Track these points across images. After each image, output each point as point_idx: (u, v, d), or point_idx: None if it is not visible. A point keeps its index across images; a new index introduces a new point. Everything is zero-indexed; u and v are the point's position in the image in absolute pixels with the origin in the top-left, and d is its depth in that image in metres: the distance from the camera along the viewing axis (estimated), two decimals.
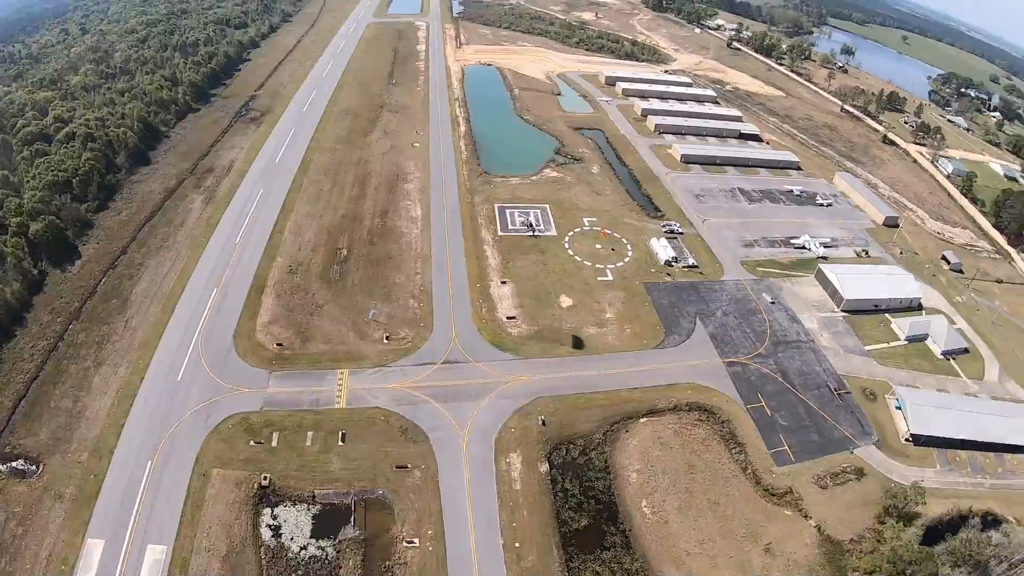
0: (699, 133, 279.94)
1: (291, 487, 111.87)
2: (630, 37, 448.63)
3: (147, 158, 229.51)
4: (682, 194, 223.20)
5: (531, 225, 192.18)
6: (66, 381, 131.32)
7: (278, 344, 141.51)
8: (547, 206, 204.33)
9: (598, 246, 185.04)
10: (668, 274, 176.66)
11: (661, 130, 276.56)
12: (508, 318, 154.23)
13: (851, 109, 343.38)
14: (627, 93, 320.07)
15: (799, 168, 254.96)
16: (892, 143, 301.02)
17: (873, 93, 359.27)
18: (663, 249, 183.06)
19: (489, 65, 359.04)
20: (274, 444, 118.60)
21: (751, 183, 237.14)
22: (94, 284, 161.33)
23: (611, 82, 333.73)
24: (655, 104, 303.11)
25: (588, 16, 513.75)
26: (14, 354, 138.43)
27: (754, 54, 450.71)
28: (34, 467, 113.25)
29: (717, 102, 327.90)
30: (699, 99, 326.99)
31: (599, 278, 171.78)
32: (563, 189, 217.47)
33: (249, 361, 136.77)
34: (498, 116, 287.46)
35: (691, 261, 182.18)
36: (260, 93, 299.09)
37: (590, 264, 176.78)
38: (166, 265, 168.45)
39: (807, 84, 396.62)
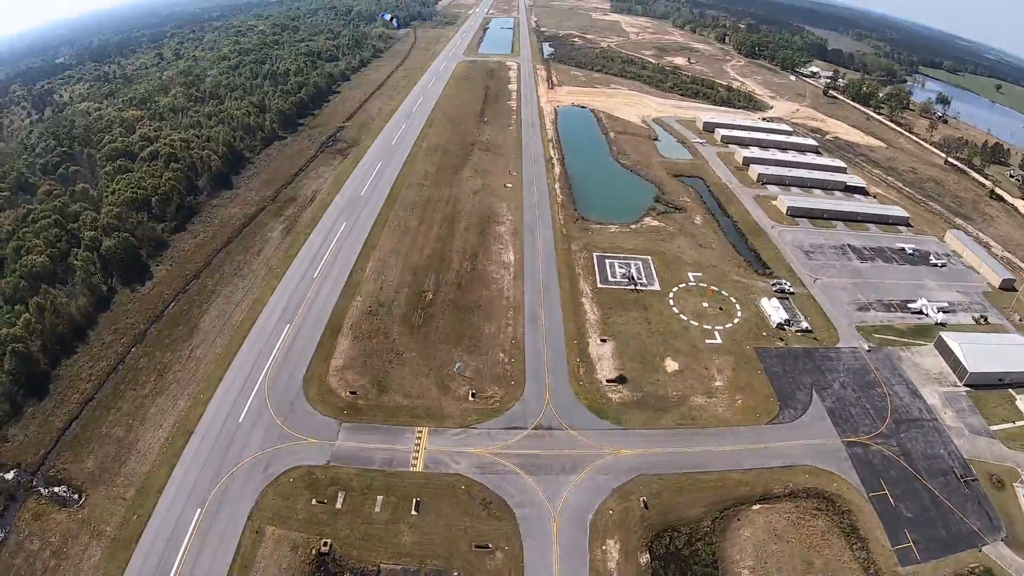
0: (803, 184, 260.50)
1: (354, 557, 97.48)
2: (725, 83, 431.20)
3: (229, 182, 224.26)
4: (790, 250, 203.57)
5: (633, 278, 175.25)
6: (121, 407, 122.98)
7: (351, 392, 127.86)
8: (649, 258, 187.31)
9: (705, 304, 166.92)
10: (781, 339, 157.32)
11: (764, 180, 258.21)
12: (608, 381, 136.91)
13: (955, 162, 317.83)
14: (726, 140, 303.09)
15: (909, 224, 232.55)
16: (999, 198, 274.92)
17: (976, 145, 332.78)
18: (775, 311, 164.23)
19: (582, 107, 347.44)
20: (339, 506, 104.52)
21: (861, 239, 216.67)
22: (162, 307, 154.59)
23: (709, 128, 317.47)
24: (757, 152, 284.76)
25: (680, 61, 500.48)
26: (72, 372, 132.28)
27: (851, 103, 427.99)
28: (76, 496, 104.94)
29: (819, 152, 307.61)
30: (800, 148, 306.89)
31: (707, 340, 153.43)
32: (665, 240, 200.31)
33: (319, 408, 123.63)
34: (594, 159, 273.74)
35: (805, 325, 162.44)
36: (348, 125, 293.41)
37: (697, 324, 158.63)
38: (239, 295, 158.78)
39: (908, 135, 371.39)
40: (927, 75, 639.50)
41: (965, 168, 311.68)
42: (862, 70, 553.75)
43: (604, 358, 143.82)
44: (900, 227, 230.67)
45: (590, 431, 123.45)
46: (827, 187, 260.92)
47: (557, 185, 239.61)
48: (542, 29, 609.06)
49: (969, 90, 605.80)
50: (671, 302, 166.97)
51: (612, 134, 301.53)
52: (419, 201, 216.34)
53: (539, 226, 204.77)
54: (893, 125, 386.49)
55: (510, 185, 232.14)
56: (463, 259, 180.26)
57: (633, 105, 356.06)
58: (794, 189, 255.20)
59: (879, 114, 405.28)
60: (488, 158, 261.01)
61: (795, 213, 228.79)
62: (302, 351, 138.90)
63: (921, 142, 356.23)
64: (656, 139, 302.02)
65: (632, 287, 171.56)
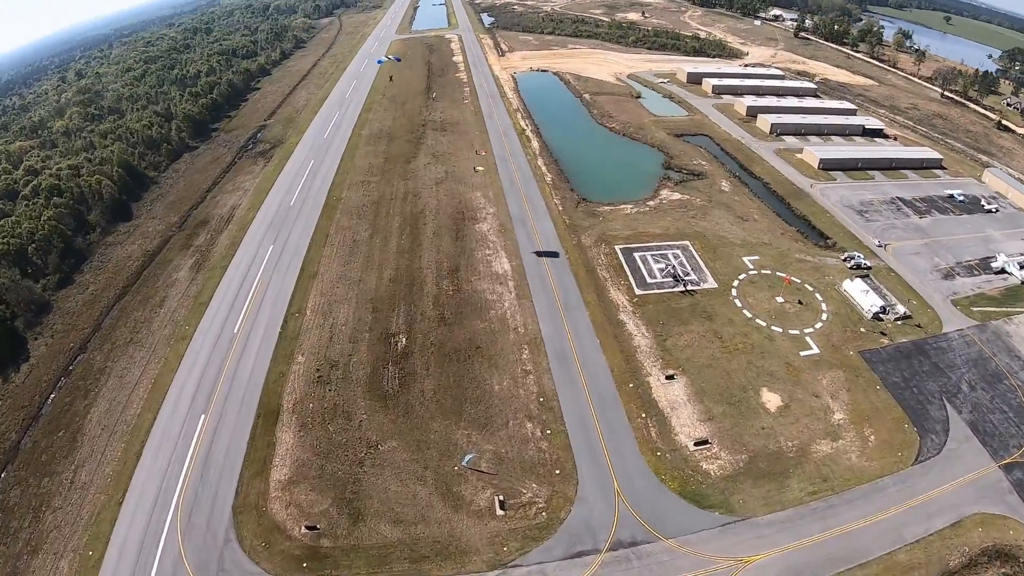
0: (820, 132, 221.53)
1: None
2: (690, 33, 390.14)
3: (128, 212, 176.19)
4: (841, 211, 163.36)
5: (678, 275, 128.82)
6: None
7: (310, 527, 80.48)
8: (688, 243, 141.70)
9: (780, 300, 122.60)
10: (883, 333, 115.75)
11: (779, 131, 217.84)
12: (697, 444, 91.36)
13: (951, 95, 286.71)
14: (718, 90, 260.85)
15: (943, 167, 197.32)
16: (1007, 129, 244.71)
17: (970, 76, 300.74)
18: (864, 295, 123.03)
19: (544, 71, 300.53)
20: None
21: (906, 190, 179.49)
22: (40, 402, 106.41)
23: (695, 79, 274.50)
24: (760, 101, 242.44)
25: (634, 16, 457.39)
26: None
27: (825, 43, 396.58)
28: None
29: (818, 95, 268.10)
30: (798, 93, 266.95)
31: (801, 352, 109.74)
32: (698, 216, 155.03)
33: (263, 562, 76.56)
34: (575, 126, 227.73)
35: (903, 310, 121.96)
36: (271, 122, 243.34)
37: (780, 330, 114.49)
38: (135, 371, 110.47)
39: (895, 71, 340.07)
40: (875, 12, 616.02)
41: (964, 101, 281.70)
42: (816, 11, 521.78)
43: (679, 404, 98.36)
44: (935, 171, 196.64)
45: (696, 535, 78.98)
46: (846, 133, 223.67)
47: (540, 161, 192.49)
48: (476, 1, 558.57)
49: (921, 24, 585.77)
50: (738, 303, 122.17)
51: (587, 96, 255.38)
52: (367, 203, 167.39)
53: (533, 217, 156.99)
54: (876, 62, 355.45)
55: (481, 168, 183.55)
56: (440, 277, 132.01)
57: (600, 63, 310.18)
58: (812, 138, 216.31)
59: (857, 52, 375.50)
60: (446, 139, 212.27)
61: (828, 166, 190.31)
62: (227, 459, 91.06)
63: (911, 77, 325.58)
64: (639, 96, 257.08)
65: (681, 288, 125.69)
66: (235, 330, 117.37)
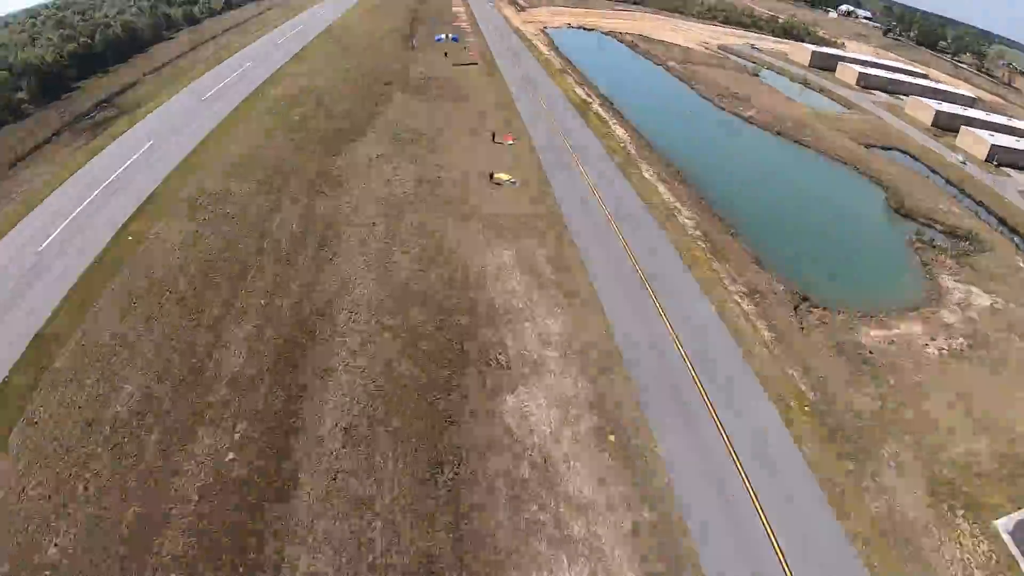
0: None
1: None
2: (766, 15, 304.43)
3: None
4: None
5: None
6: None
7: None
8: None
9: None
10: None
11: (996, 158, 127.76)
12: None
13: None
14: (866, 83, 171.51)
15: None
16: None
17: None
18: None
19: (590, 29, 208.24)
20: None
21: None
22: None
23: (823, 64, 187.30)
24: (944, 107, 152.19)
25: None
26: None
27: (919, 47, 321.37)
28: None
29: (973, 106, 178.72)
30: (953, 100, 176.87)
31: None
32: None
33: None
34: (680, 109, 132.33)
35: None
36: (149, 77, 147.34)
37: None
38: None
39: (1016, 89, 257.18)
40: None
41: None
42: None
43: None
44: None
45: None
46: None
47: (646, 170, 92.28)
48: None
49: None
50: None
51: (673, 64, 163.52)
52: (193, 263, 61.09)
53: (693, 355, 51.87)
54: (988, 77, 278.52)
55: (507, 178, 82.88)
56: None
57: (669, 29, 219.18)
58: None
59: (961, 63, 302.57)
60: (428, 109, 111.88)
61: None
62: None
63: None
64: (757, 75, 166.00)
65: None
66: None
